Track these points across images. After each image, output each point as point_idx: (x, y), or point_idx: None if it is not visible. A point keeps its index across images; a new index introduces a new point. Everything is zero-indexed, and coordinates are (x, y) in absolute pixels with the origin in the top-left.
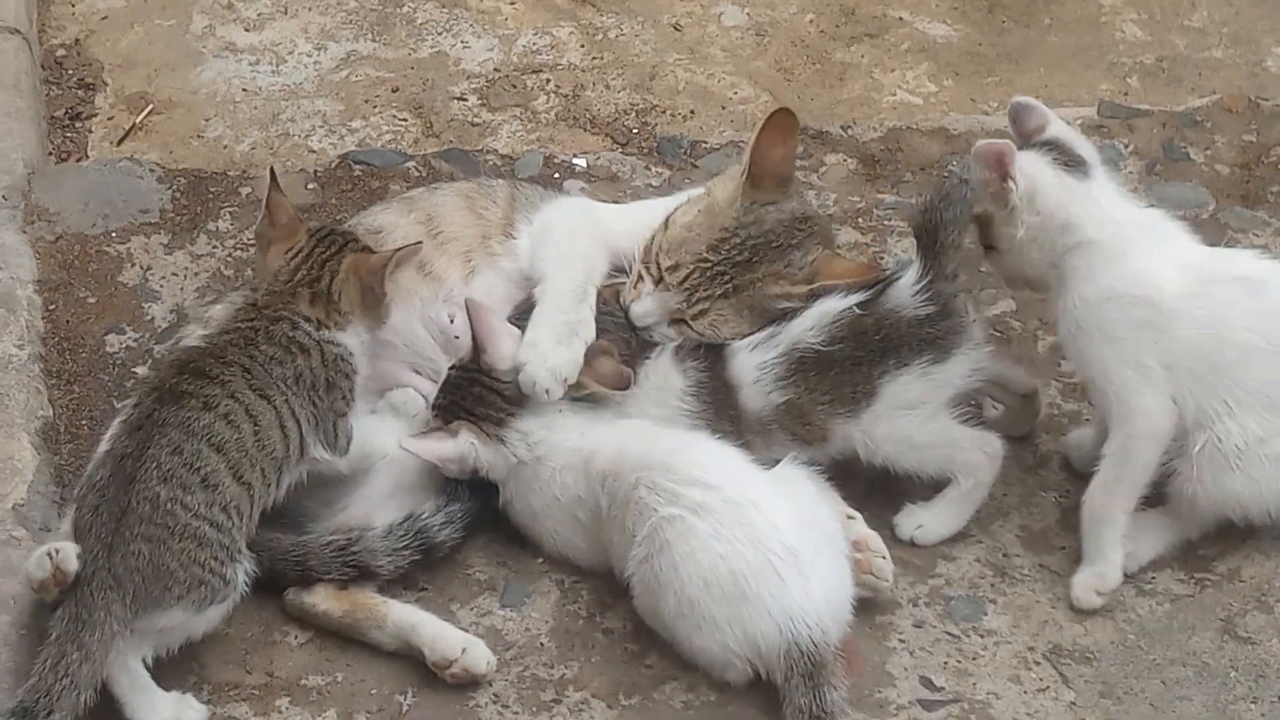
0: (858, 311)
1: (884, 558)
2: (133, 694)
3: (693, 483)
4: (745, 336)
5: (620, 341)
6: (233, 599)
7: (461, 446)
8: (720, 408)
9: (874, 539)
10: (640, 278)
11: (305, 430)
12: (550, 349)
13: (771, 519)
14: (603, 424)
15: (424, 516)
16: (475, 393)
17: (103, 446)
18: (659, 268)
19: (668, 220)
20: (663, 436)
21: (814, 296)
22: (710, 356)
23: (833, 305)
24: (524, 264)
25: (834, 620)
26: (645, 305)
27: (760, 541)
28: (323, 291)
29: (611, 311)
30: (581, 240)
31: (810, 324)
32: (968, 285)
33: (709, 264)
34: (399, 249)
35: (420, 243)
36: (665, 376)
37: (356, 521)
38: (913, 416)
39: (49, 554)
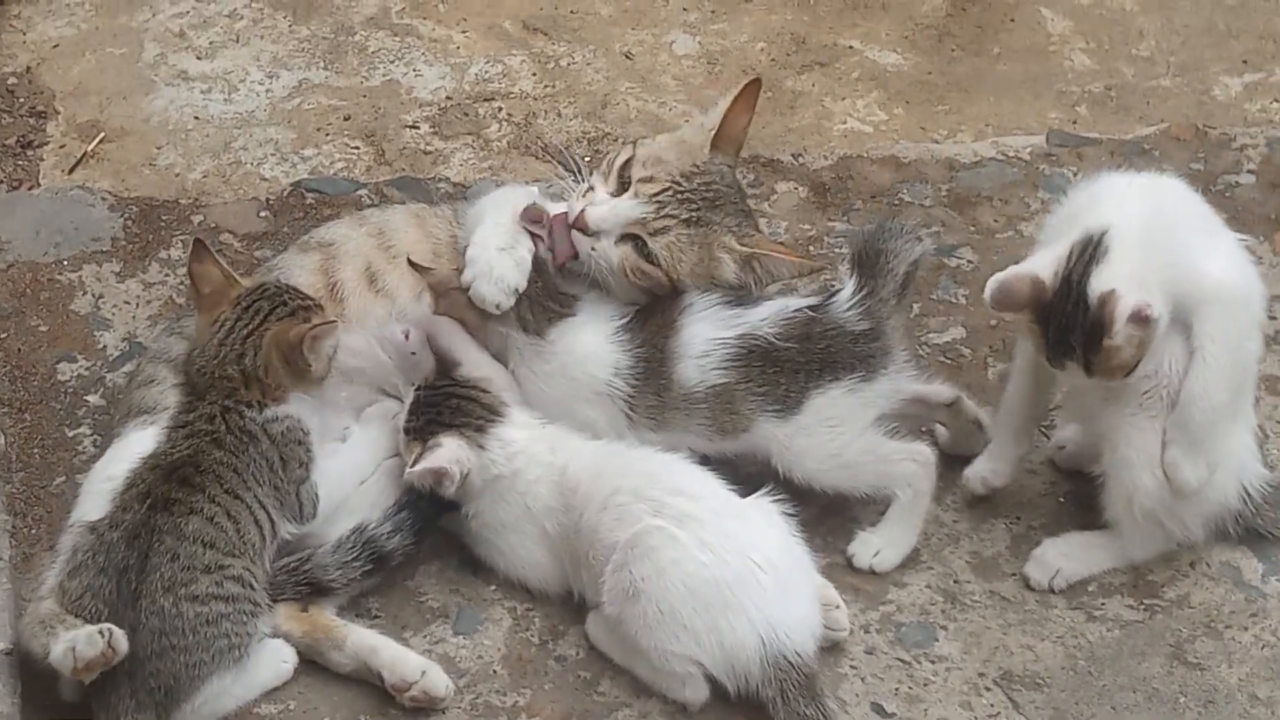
0: (810, 314)
1: (839, 607)
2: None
3: (678, 492)
4: (680, 282)
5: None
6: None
7: (455, 452)
8: (650, 379)
9: (828, 589)
10: (591, 189)
11: (274, 515)
12: (495, 258)
13: (755, 532)
14: (575, 438)
15: (371, 527)
16: (452, 405)
17: (86, 514)
18: (626, 178)
19: (635, 141)
20: (642, 452)
21: (749, 268)
22: (655, 327)
23: (790, 302)
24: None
25: (810, 638)
26: (603, 211)
27: (744, 552)
28: (249, 369)
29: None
30: (512, 193)
31: (767, 315)
32: (898, 310)
33: (682, 187)
34: (315, 325)
35: (336, 321)
36: (594, 347)
37: (312, 541)
38: (836, 434)
39: (100, 632)
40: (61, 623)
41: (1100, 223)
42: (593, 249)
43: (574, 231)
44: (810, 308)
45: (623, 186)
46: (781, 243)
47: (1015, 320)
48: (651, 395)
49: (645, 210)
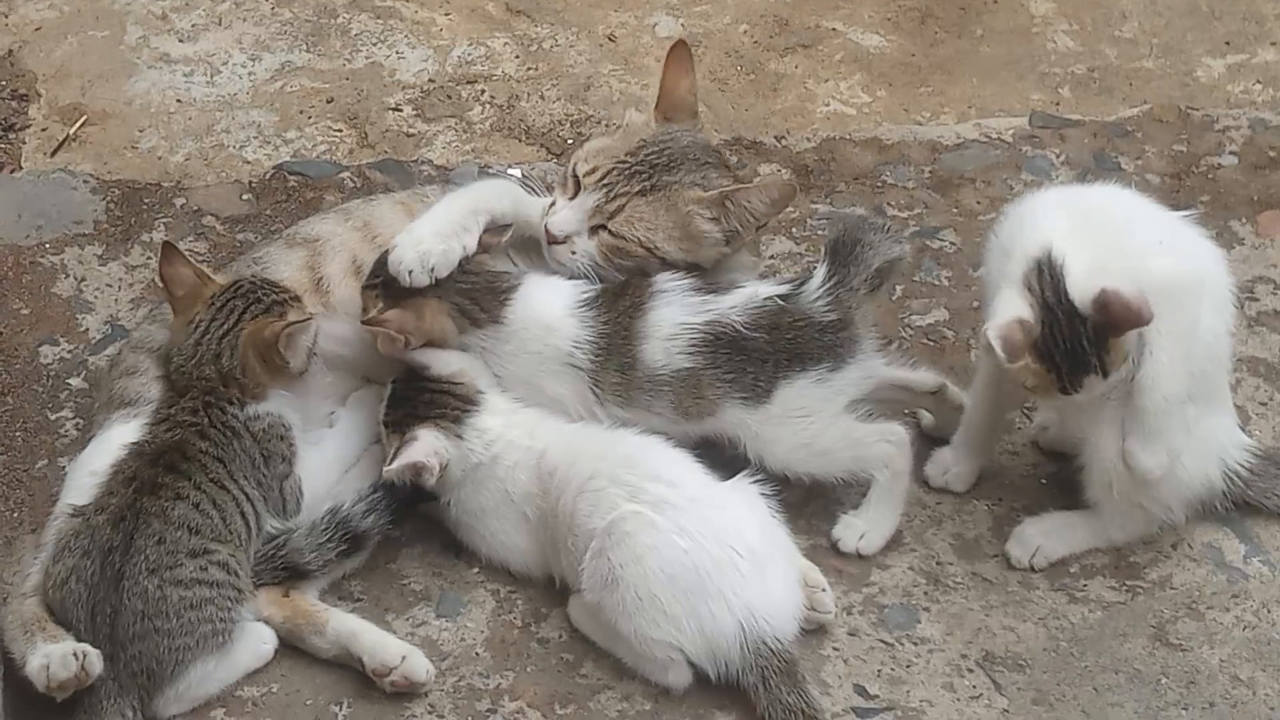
0: (780, 303)
1: (824, 590)
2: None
3: (655, 478)
4: (663, 251)
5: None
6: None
7: (431, 444)
8: (613, 356)
9: (813, 572)
10: (553, 203)
11: (259, 509)
12: (427, 237)
13: (733, 518)
14: (553, 422)
15: (344, 508)
16: (426, 398)
17: (75, 500)
18: (575, 178)
19: (582, 143)
20: (620, 435)
21: (724, 213)
22: (624, 306)
23: (760, 290)
24: None
25: (788, 623)
26: (563, 214)
27: (722, 538)
28: (226, 369)
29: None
30: (482, 182)
31: (736, 304)
32: (865, 300)
33: (627, 164)
34: (289, 323)
35: (311, 318)
36: (554, 319)
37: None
38: (806, 424)
39: (74, 655)
40: (42, 630)
41: (1038, 246)
42: (572, 253)
43: (552, 248)
44: (780, 296)
45: (578, 188)
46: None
47: (1011, 374)
48: (615, 372)
49: (596, 198)
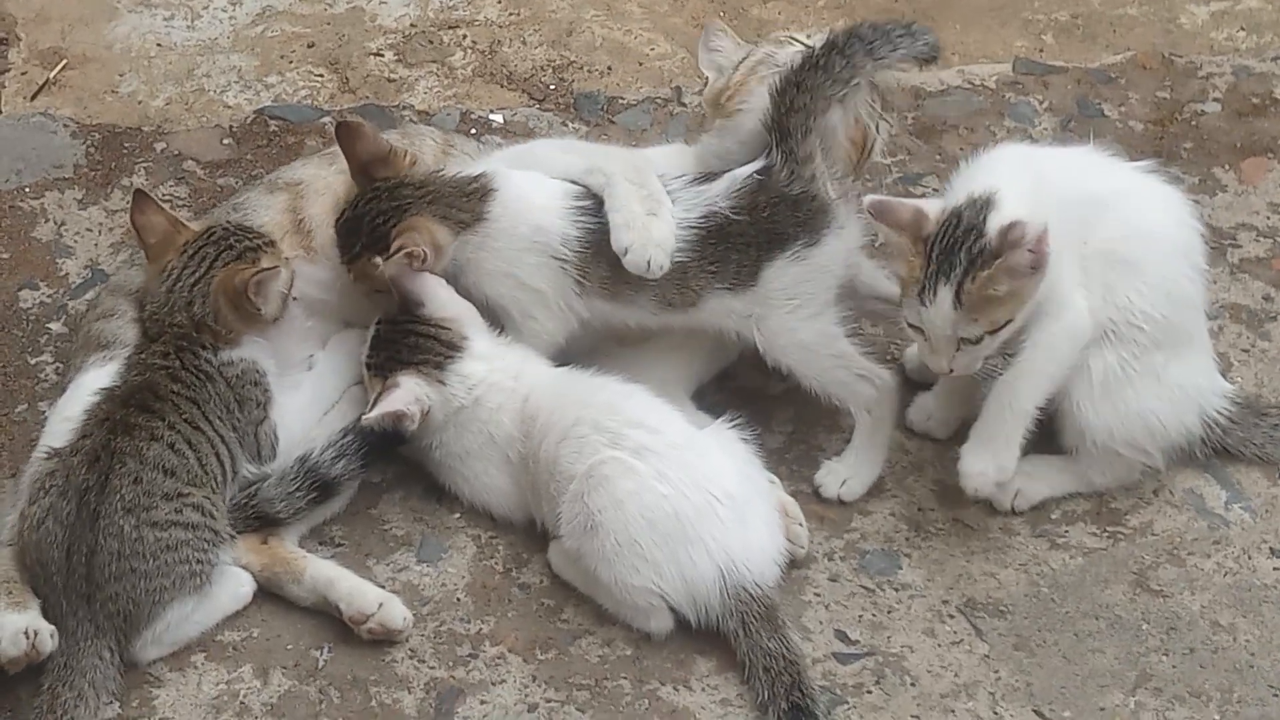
0: (759, 179)
1: (801, 524)
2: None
3: (637, 424)
4: None
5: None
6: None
7: (413, 390)
8: (605, 253)
9: (792, 505)
10: None
11: (234, 452)
12: (648, 222)
13: (713, 464)
14: (537, 365)
15: (313, 455)
16: (411, 342)
17: (51, 442)
18: None
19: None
20: (602, 381)
21: None
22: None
23: (743, 170)
24: None
25: (768, 569)
26: None
27: (702, 484)
28: (198, 315)
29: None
30: (585, 144)
31: (723, 188)
32: (824, 166)
33: None
34: (258, 271)
35: (279, 266)
36: (542, 218)
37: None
38: (794, 306)
39: (25, 633)
40: (8, 594)
41: (985, 187)
42: None
43: None
44: (758, 172)
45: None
46: None
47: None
48: (605, 266)
49: None
